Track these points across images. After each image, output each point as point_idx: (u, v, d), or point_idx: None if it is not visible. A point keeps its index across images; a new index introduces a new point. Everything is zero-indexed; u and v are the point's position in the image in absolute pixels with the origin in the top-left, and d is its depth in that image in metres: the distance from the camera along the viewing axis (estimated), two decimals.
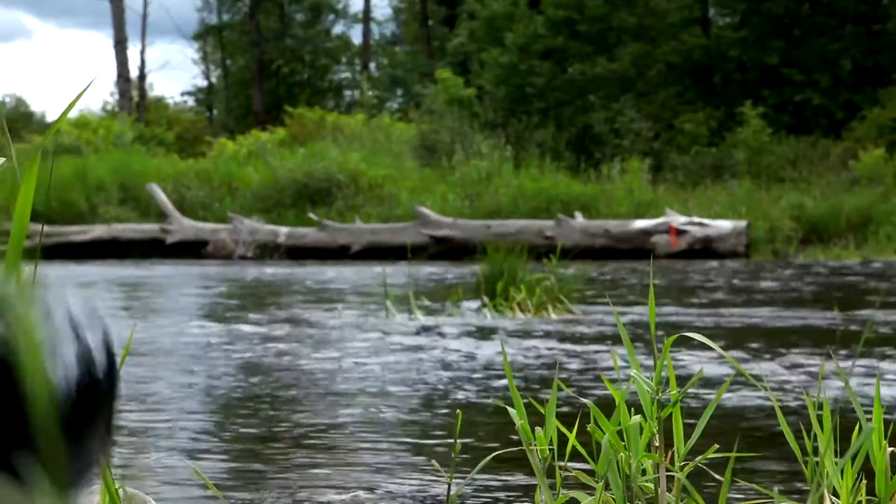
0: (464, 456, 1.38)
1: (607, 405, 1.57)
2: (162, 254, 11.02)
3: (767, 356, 2.53)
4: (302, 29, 26.49)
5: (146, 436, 1.54)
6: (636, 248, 9.51)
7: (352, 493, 1.20)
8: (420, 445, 1.48)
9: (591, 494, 0.92)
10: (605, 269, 7.54)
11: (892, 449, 0.86)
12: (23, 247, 0.70)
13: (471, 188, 11.57)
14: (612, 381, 1.08)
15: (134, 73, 22.17)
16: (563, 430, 0.96)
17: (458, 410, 1.31)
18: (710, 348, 2.22)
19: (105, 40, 58.53)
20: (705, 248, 9.65)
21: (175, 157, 15.70)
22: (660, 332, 2.99)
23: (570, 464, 0.98)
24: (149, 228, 11.51)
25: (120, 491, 0.76)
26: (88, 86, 0.74)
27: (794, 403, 1.79)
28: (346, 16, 27.63)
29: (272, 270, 8.10)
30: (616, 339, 2.67)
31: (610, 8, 18.71)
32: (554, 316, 3.65)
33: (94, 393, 0.42)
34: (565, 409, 1.69)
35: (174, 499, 1.17)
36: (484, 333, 3.12)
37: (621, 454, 0.90)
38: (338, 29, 27.60)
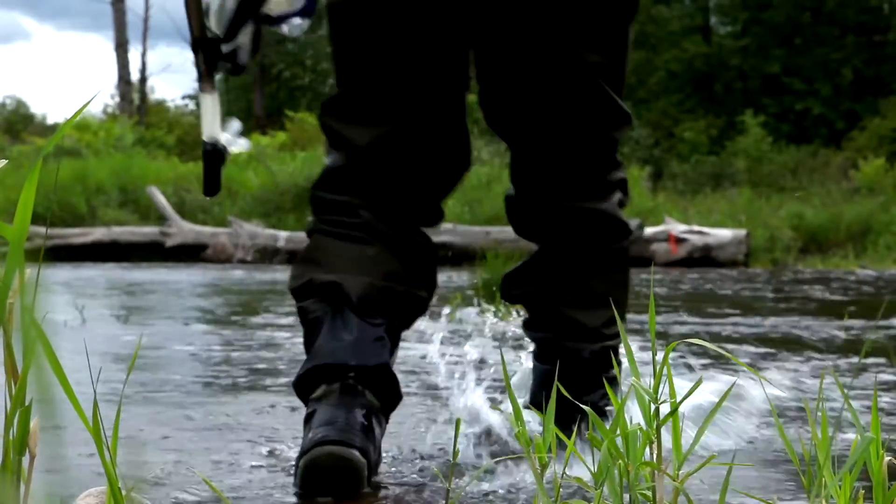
0: (462, 462, 1.38)
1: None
2: (161, 257, 11.02)
3: (767, 364, 2.54)
4: (303, 33, 26.46)
5: (150, 441, 1.54)
6: (635, 256, 9.51)
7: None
8: (418, 451, 1.48)
9: (590, 501, 0.93)
10: None
11: (889, 458, 0.86)
12: (23, 249, 0.70)
13: (471, 194, 11.58)
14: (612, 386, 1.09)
15: (135, 76, 22.19)
16: (562, 436, 0.96)
17: (457, 416, 1.31)
18: (711, 357, 2.22)
19: (104, 42, 58.48)
20: (705, 257, 9.65)
21: (175, 160, 15.70)
22: (660, 342, 2.99)
23: (568, 470, 0.98)
24: (148, 231, 11.51)
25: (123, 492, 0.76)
26: (95, 96, 0.75)
27: (793, 412, 1.79)
28: None
29: (272, 275, 8.11)
30: None
31: None
32: None
33: None
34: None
35: None
36: (483, 339, 3.12)
37: (620, 462, 0.90)
38: None
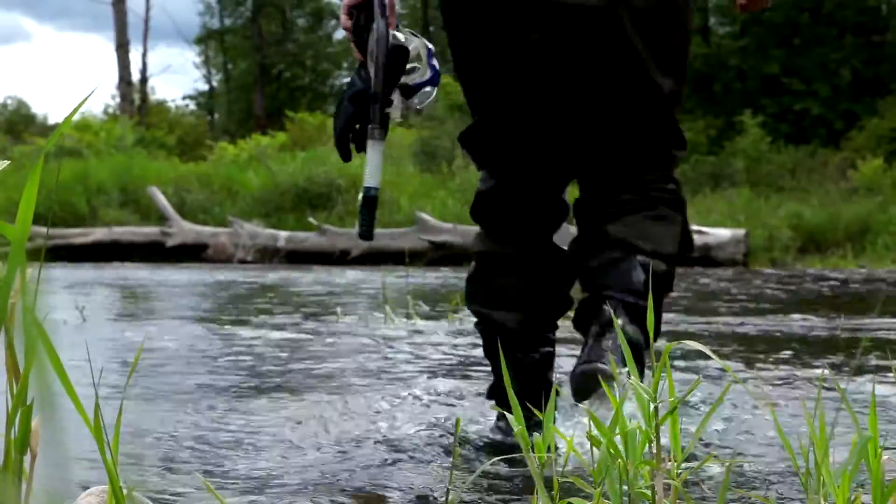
0: (462, 461, 1.38)
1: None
2: (162, 257, 11.02)
3: (766, 364, 2.54)
4: (303, 34, 26.50)
5: (150, 441, 1.54)
6: None
7: (350, 498, 1.20)
8: (418, 450, 1.48)
9: (589, 500, 0.93)
10: None
11: (886, 457, 0.86)
12: (25, 249, 0.71)
13: (471, 194, 11.55)
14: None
15: (135, 76, 22.20)
16: (562, 435, 0.97)
17: (457, 416, 1.31)
18: (711, 356, 2.22)
19: (104, 43, 58.38)
20: (704, 257, 9.65)
21: (176, 160, 15.70)
22: (660, 340, 2.99)
23: (567, 469, 0.98)
24: (149, 231, 11.51)
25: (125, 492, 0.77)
26: (92, 93, 0.75)
27: (792, 411, 1.79)
28: None
29: (271, 274, 8.11)
30: None
31: None
32: None
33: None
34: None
35: None
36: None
37: (619, 461, 0.90)
38: (339, 34, 27.64)
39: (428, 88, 1.54)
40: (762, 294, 5.86)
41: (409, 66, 1.51)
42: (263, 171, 13.41)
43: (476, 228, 1.70)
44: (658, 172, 1.57)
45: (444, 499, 1.17)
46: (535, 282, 1.60)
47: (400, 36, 1.51)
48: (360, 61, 1.53)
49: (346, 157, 1.52)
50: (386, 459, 1.41)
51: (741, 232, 9.91)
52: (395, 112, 1.52)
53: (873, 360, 2.59)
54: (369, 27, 1.51)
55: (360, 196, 1.49)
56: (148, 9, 22.83)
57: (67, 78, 51.88)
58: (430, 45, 1.55)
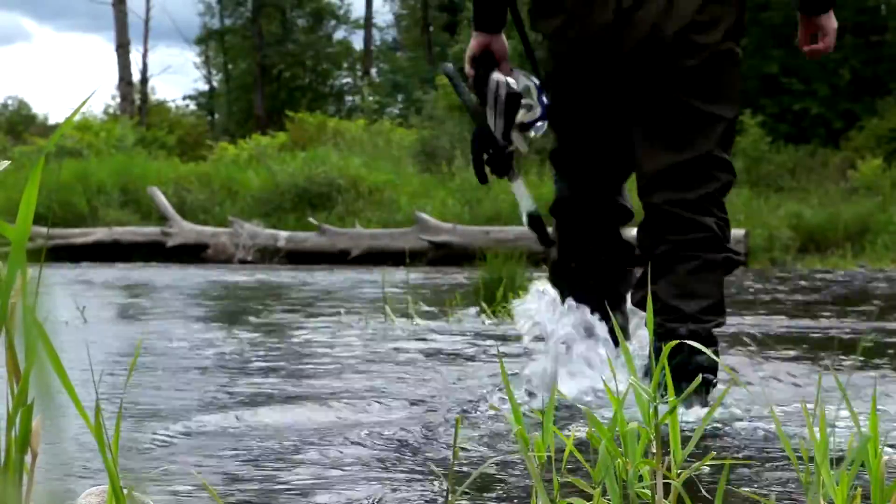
0: (462, 461, 1.38)
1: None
2: (162, 257, 11.03)
3: (766, 363, 2.54)
4: (303, 34, 26.48)
5: (150, 441, 1.54)
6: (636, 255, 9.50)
7: (347, 500, 1.20)
8: (418, 451, 1.48)
9: (589, 500, 0.93)
10: None
11: (886, 457, 0.87)
12: (25, 249, 0.71)
13: (470, 194, 11.58)
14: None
15: (136, 76, 22.19)
16: (561, 436, 0.97)
17: (456, 416, 1.31)
18: (711, 356, 2.22)
19: (104, 43, 58.35)
20: None
21: (176, 160, 15.70)
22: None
23: (567, 468, 0.98)
24: (150, 231, 11.51)
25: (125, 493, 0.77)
26: (92, 94, 0.75)
27: (791, 411, 1.79)
28: (348, 21, 27.65)
29: (272, 274, 8.11)
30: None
31: None
32: None
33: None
34: (564, 414, 1.70)
35: None
36: (482, 339, 3.13)
37: (618, 460, 0.90)
38: (339, 34, 27.65)
39: (540, 123, 1.89)
40: (762, 294, 5.87)
41: (522, 105, 1.85)
42: (263, 171, 13.41)
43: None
44: (698, 192, 1.83)
45: (444, 499, 1.17)
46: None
47: (512, 82, 1.85)
48: (477, 104, 1.92)
49: (482, 179, 1.91)
50: (383, 457, 1.41)
51: (741, 232, 9.91)
52: (521, 146, 1.89)
53: (873, 360, 2.59)
54: (487, 77, 1.87)
55: (525, 219, 1.91)
56: (148, 9, 22.84)
57: (67, 78, 51.91)
58: (538, 81, 1.89)
